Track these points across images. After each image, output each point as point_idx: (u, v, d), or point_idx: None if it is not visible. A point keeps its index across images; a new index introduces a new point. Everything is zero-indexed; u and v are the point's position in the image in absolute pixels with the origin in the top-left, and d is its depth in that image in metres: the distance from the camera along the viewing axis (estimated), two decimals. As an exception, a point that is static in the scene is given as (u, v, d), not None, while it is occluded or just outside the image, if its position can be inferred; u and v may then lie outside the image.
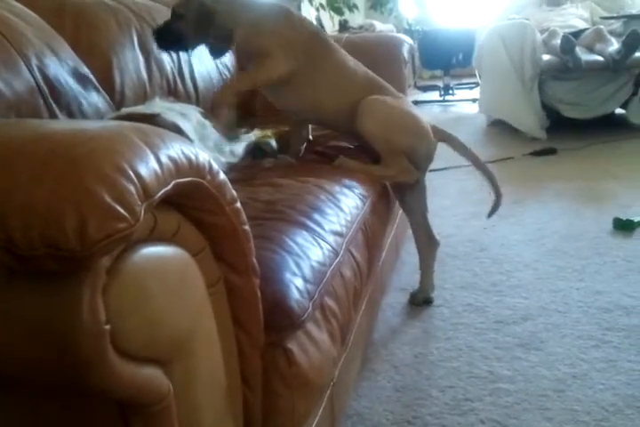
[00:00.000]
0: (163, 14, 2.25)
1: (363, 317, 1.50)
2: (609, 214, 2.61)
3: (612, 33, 4.38)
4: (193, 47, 1.75)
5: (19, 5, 1.65)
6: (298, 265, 1.05)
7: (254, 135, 1.83)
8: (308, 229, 1.20)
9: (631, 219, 2.49)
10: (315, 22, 5.55)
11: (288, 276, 1.01)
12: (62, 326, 0.56)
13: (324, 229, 1.24)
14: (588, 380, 1.52)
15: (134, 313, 0.62)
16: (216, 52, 1.76)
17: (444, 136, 1.88)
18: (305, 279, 1.04)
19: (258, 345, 0.87)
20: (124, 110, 1.66)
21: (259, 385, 0.89)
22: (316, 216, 1.27)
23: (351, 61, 1.83)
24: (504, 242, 2.45)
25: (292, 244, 1.10)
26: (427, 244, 1.95)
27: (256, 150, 1.73)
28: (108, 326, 0.58)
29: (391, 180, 1.83)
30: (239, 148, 1.72)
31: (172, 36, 1.72)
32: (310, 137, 1.96)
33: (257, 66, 1.70)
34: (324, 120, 1.85)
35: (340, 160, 1.72)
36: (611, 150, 3.85)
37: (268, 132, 1.94)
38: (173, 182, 0.64)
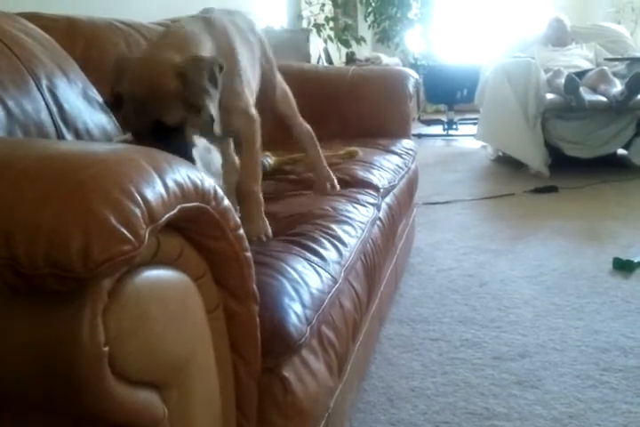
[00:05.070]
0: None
1: (360, 348, 1.49)
2: (609, 254, 2.61)
3: (615, 74, 4.42)
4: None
5: (32, 26, 1.68)
6: (296, 291, 1.05)
7: None
8: (306, 256, 1.20)
9: (631, 259, 2.48)
10: (322, 54, 5.61)
11: (286, 301, 1.00)
12: (61, 346, 0.56)
13: (322, 257, 1.23)
14: (585, 420, 1.50)
15: (134, 336, 0.61)
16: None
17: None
18: (303, 305, 1.03)
19: (254, 372, 0.86)
20: (132, 133, 1.67)
21: (254, 413, 0.88)
22: (315, 245, 1.27)
23: None
24: (503, 278, 2.44)
25: (290, 270, 1.10)
26: None
27: None
28: (106, 348, 0.57)
29: None
30: None
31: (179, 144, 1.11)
32: None
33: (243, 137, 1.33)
34: None
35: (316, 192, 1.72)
36: (612, 190, 3.86)
37: (267, 153, 1.95)
38: (179, 207, 0.64)
